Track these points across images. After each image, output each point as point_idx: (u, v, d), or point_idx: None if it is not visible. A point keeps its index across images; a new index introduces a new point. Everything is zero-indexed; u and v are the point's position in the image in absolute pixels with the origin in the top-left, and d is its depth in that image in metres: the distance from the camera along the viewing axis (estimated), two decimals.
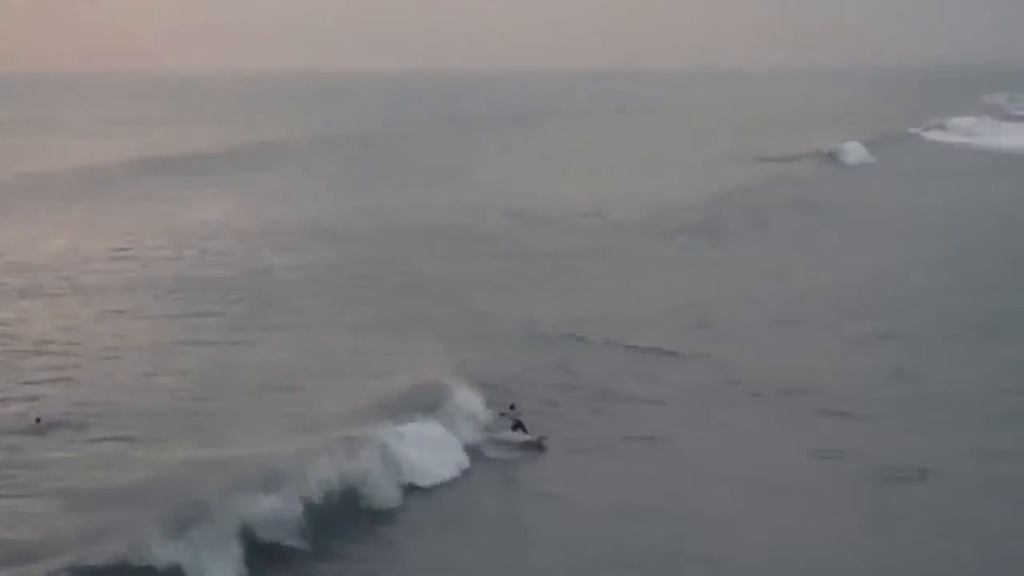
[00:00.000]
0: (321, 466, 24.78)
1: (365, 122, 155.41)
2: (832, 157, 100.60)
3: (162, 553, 20.63)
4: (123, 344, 36.52)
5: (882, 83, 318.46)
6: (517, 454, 28.14)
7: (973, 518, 24.21)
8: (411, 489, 25.58)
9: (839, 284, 48.63)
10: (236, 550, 21.67)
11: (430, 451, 27.11)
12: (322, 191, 78.22)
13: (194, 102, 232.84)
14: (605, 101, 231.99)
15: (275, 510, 23.05)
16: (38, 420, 28.40)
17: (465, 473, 26.90)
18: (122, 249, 54.34)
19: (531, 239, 58.52)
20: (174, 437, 27.45)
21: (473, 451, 27.92)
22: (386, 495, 25.25)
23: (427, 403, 29.27)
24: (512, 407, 29.64)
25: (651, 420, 30.61)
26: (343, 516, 23.97)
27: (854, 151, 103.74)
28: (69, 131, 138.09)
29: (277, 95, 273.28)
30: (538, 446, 28.37)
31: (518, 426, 29.00)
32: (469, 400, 29.86)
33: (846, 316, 42.57)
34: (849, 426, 30.24)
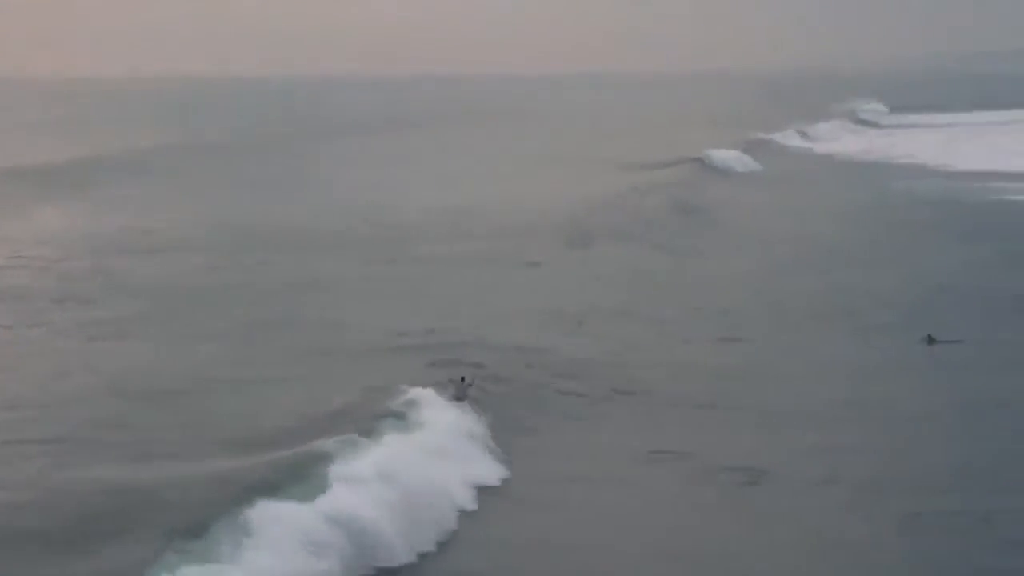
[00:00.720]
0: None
1: (223, 130, 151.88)
2: (701, 163, 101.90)
3: None
4: None
5: (748, 89, 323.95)
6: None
7: (809, 517, 24.91)
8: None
9: (698, 287, 50.04)
10: None
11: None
12: (176, 201, 76.73)
13: (49, 109, 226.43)
14: (472, 106, 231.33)
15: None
16: None
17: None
18: None
19: (395, 246, 58.20)
20: (86, 453, 26.27)
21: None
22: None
23: (368, 412, 28.33)
24: (463, 379, 30.22)
25: (503, 418, 30.73)
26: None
27: (722, 157, 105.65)
28: None
29: (140, 101, 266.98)
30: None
31: (463, 398, 29.62)
32: (426, 398, 29.08)
33: (701, 317, 43.86)
34: (693, 425, 31.18)
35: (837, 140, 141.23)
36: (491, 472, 27.01)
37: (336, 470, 23.86)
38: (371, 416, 28.06)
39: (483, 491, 26.06)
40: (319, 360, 35.46)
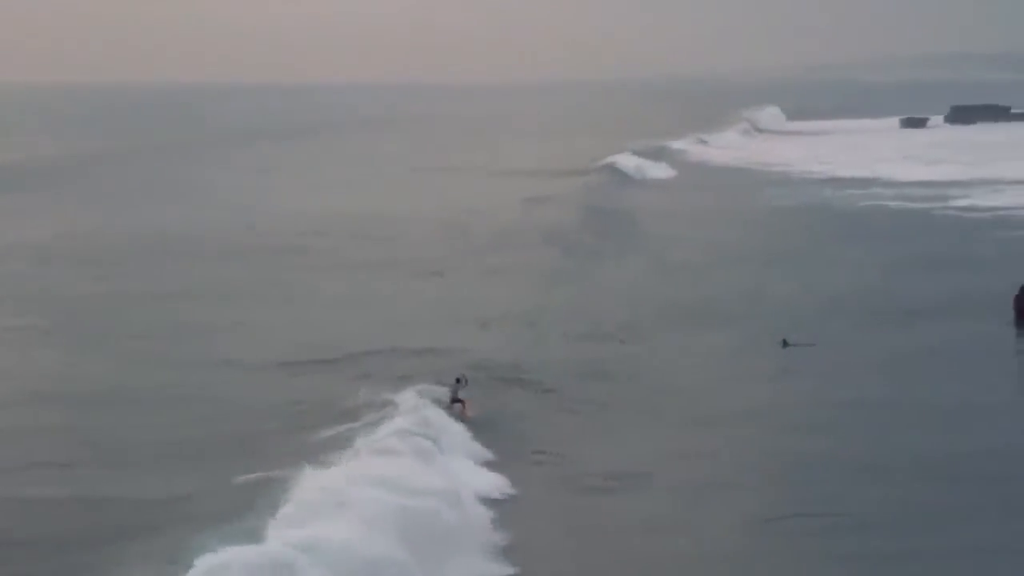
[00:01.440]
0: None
1: (91, 139, 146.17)
2: (604, 171, 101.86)
3: None
4: None
5: (657, 96, 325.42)
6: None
7: (678, 521, 24.67)
8: None
9: (597, 292, 50.17)
10: None
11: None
12: (70, 210, 74.30)
13: None
14: (387, 114, 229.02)
15: None
16: None
17: None
18: None
19: (298, 256, 57.09)
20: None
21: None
22: None
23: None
24: (458, 380, 29.90)
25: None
26: None
27: (624, 165, 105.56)
28: None
29: (30, 109, 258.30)
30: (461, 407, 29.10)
31: (455, 401, 29.28)
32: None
33: (598, 321, 43.84)
34: (570, 427, 31.11)
35: (734, 147, 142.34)
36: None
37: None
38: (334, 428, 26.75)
39: None
40: (246, 373, 34.57)
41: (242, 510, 19.83)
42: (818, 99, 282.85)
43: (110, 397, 32.29)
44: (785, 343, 39.53)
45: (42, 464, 26.33)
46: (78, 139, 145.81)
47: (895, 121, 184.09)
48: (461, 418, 29.45)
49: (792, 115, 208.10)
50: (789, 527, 24.57)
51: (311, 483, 21.17)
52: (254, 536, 18.49)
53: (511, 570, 22.17)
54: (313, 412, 29.60)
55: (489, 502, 25.26)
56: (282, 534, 18.69)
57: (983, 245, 62.37)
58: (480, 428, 29.91)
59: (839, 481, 27.16)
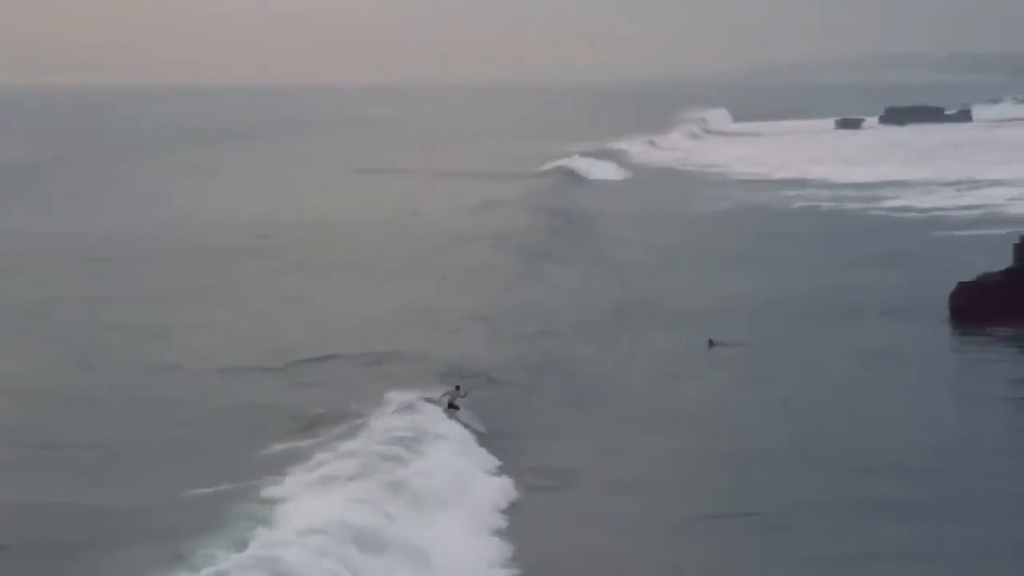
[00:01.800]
0: None
1: (49, 143, 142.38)
2: (556, 173, 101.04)
3: None
4: None
5: (606, 99, 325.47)
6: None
7: (609, 519, 24.53)
8: None
9: (533, 291, 49.82)
10: None
11: None
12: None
13: None
14: (338, 116, 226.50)
15: None
16: None
17: None
18: None
19: (251, 259, 56.21)
20: None
21: None
22: None
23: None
24: (457, 388, 29.88)
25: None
26: None
27: (576, 167, 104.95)
28: None
29: None
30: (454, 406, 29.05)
31: (451, 407, 29.13)
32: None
33: (529, 319, 43.54)
34: (516, 425, 30.50)
35: (680, 149, 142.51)
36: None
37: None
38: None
39: None
40: (200, 378, 34.08)
41: (227, 522, 19.76)
42: (768, 100, 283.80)
43: (72, 401, 31.82)
44: (711, 343, 39.29)
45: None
46: (36, 143, 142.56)
47: (831, 122, 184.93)
48: (453, 420, 29.39)
49: (739, 116, 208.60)
50: (721, 526, 24.39)
51: (300, 494, 21.25)
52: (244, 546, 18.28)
53: None
54: (284, 419, 29.11)
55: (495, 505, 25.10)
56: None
57: (916, 245, 62.45)
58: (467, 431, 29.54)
59: (769, 480, 26.98)
